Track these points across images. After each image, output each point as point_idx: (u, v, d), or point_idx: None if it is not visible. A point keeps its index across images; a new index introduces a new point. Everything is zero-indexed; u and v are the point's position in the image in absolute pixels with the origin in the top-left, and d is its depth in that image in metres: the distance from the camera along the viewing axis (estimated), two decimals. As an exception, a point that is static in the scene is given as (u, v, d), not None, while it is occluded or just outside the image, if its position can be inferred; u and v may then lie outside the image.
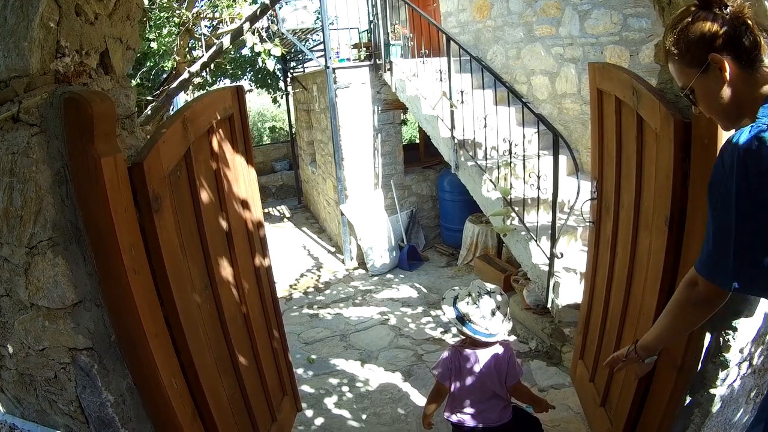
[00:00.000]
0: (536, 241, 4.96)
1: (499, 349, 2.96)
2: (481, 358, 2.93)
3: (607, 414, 3.18)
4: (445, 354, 3.05)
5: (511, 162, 5.50)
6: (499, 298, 2.89)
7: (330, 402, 4.96)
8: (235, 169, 3.10)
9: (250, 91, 12.99)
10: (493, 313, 2.84)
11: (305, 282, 8.01)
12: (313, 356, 5.83)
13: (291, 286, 7.93)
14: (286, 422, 3.66)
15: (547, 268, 4.78)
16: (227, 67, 10.91)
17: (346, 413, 4.77)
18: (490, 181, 5.64)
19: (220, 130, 2.89)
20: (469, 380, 2.96)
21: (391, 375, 5.32)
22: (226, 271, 2.86)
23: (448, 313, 2.92)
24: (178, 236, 2.30)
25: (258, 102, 22.53)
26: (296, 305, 7.31)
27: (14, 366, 2.06)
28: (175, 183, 2.32)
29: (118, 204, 1.86)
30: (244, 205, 3.20)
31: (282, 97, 12.24)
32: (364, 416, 4.71)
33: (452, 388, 3.02)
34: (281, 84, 11.96)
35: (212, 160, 2.75)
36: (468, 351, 2.96)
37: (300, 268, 8.48)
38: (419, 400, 4.83)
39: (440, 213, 8.76)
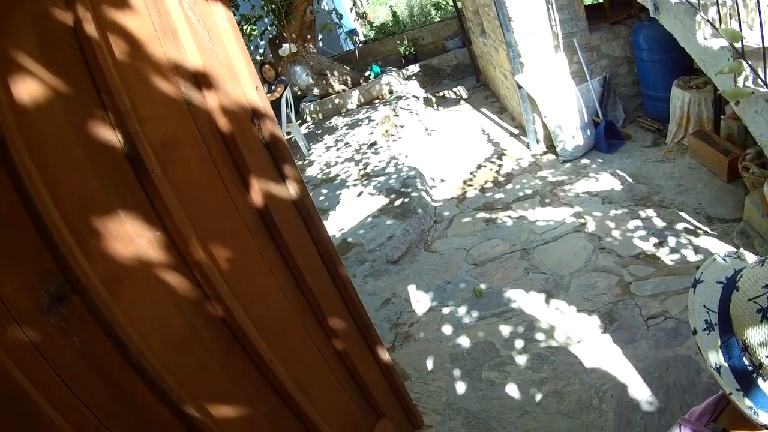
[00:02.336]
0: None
1: None
2: None
3: None
4: None
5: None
6: None
7: (492, 369, 3.42)
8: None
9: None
10: None
11: (483, 175, 6.31)
12: (482, 286, 4.32)
13: (465, 182, 6.31)
14: None
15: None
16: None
17: (512, 390, 3.36)
18: (709, 22, 3.72)
19: None
20: None
21: (586, 319, 3.67)
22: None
23: (704, 345, 1.01)
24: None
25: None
26: (470, 207, 5.71)
27: None
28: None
29: None
30: (203, 82, 1.77)
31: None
32: (538, 397, 3.19)
33: None
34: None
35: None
36: None
37: (477, 158, 6.77)
38: (623, 369, 3.24)
39: (639, 78, 6.36)
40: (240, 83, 1.85)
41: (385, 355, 2.44)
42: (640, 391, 3.05)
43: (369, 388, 2.34)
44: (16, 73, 1.31)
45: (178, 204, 1.61)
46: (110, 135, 1.51)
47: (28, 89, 1.33)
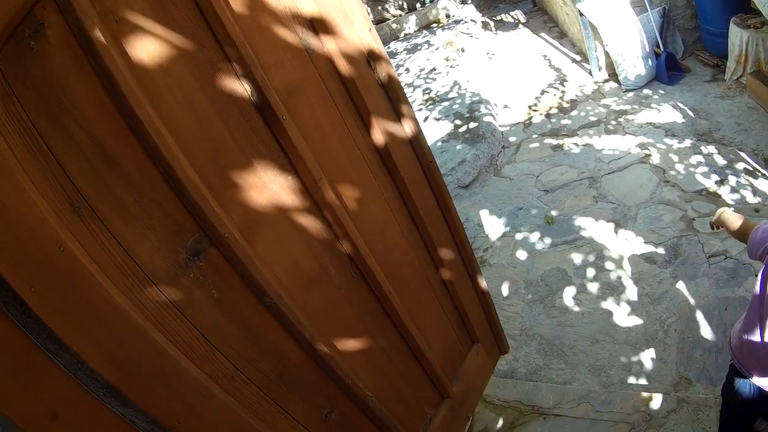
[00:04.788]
0: None
1: None
2: None
3: None
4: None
5: None
6: None
7: (568, 295, 3.29)
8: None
9: None
10: None
11: (547, 101, 5.89)
12: (553, 212, 4.09)
13: (530, 107, 5.91)
14: (475, 382, 2.38)
15: None
16: None
17: (584, 318, 3.22)
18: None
19: None
20: None
21: (652, 250, 3.46)
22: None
23: None
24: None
25: None
26: (536, 132, 5.37)
27: None
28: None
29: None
30: (320, 27, 1.56)
31: None
32: (607, 326, 3.06)
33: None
34: None
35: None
36: None
37: (540, 84, 6.29)
38: (686, 305, 3.11)
39: (697, 11, 5.66)
40: (354, 26, 1.62)
41: (483, 283, 2.31)
42: (701, 329, 2.92)
43: (468, 315, 2.20)
44: (130, 33, 1.13)
45: (308, 148, 1.44)
46: (237, 86, 1.31)
47: (145, 48, 1.15)
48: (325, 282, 1.56)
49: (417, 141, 1.88)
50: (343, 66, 1.61)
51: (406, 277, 1.89)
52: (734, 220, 1.92)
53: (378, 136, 1.71)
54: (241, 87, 1.33)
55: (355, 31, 1.67)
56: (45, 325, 0.96)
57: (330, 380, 1.57)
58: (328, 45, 1.58)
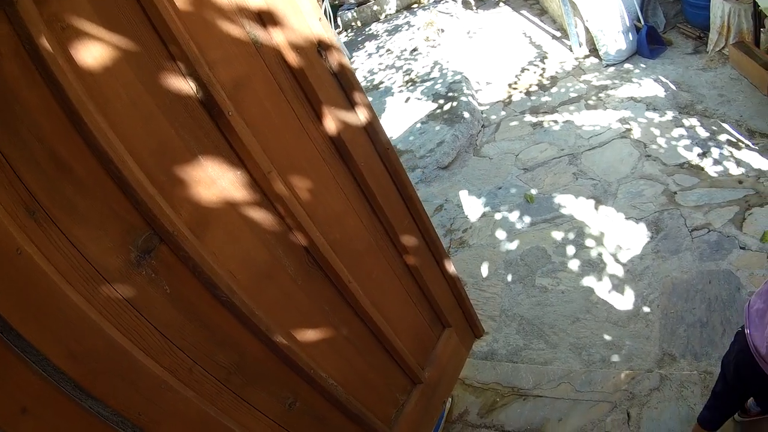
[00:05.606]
0: None
1: None
2: None
3: None
4: None
5: None
6: None
7: (545, 276, 3.37)
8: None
9: None
10: None
11: (527, 78, 5.93)
12: (533, 191, 4.16)
13: (510, 85, 5.95)
14: (449, 367, 2.44)
15: None
16: None
17: (564, 297, 3.29)
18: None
19: None
20: None
21: (633, 226, 3.53)
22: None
23: None
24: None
25: None
26: (516, 110, 5.42)
27: None
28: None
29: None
30: (267, 19, 1.62)
31: None
32: (588, 304, 3.12)
33: None
34: None
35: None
36: None
37: (521, 61, 6.32)
38: (669, 280, 3.14)
39: None
40: (303, 16, 1.66)
41: (450, 268, 2.37)
42: (685, 304, 2.95)
43: (436, 300, 2.27)
44: (76, 38, 1.18)
45: (256, 142, 1.47)
46: (182, 84, 1.36)
47: (91, 53, 1.20)
48: (279, 274, 1.62)
49: (372, 128, 1.93)
50: (292, 57, 1.65)
51: (367, 265, 1.95)
52: None
53: (330, 126, 1.76)
54: (186, 85, 1.38)
55: (304, 21, 1.70)
56: (7, 323, 1.03)
57: (291, 371, 1.64)
58: (276, 37, 1.62)
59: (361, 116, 1.90)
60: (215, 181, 1.43)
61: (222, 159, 1.44)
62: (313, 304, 1.74)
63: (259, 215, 1.54)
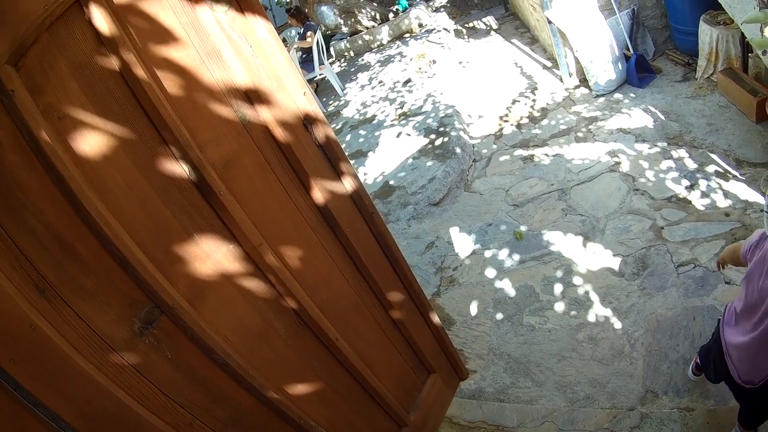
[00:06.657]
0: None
1: None
2: None
3: None
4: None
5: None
6: None
7: (533, 314, 3.62)
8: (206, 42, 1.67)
9: None
10: None
11: (518, 110, 6.18)
12: (522, 228, 4.36)
13: (501, 118, 6.19)
14: (434, 409, 2.67)
15: None
16: None
17: (550, 335, 3.45)
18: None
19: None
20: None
21: (621, 263, 3.67)
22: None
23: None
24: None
25: None
26: (507, 144, 5.66)
27: None
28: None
29: None
30: (254, 98, 1.82)
31: None
32: (574, 343, 3.38)
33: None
34: None
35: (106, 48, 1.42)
36: None
37: (512, 93, 6.57)
38: (654, 317, 3.30)
39: (667, 11, 5.96)
40: (288, 92, 1.84)
41: (435, 319, 2.56)
42: (669, 341, 3.08)
43: (421, 349, 2.46)
44: (72, 127, 1.33)
45: (246, 217, 1.68)
46: (175, 167, 1.56)
47: (87, 141, 1.36)
48: (271, 336, 1.82)
49: (358, 195, 2.13)
50: (279, 133, 1.86)
51: (353, 321, 2.15)
52: (732, 250, 2.15)
53: (318, 196, 1.97)
54: (179, 168, 1.58)
55: (290, 96, 1.91)
56: (25, 389, 1.23)
57: (282, 421, 1.84)
58: (263, 114, 1.83)
59: (347, 185, 2.09)
60: (210, 255, 1.64)
61: (215, 235, 1.65)
62: (302, 361, 1.94)
63: (252, 284, 1.75)
